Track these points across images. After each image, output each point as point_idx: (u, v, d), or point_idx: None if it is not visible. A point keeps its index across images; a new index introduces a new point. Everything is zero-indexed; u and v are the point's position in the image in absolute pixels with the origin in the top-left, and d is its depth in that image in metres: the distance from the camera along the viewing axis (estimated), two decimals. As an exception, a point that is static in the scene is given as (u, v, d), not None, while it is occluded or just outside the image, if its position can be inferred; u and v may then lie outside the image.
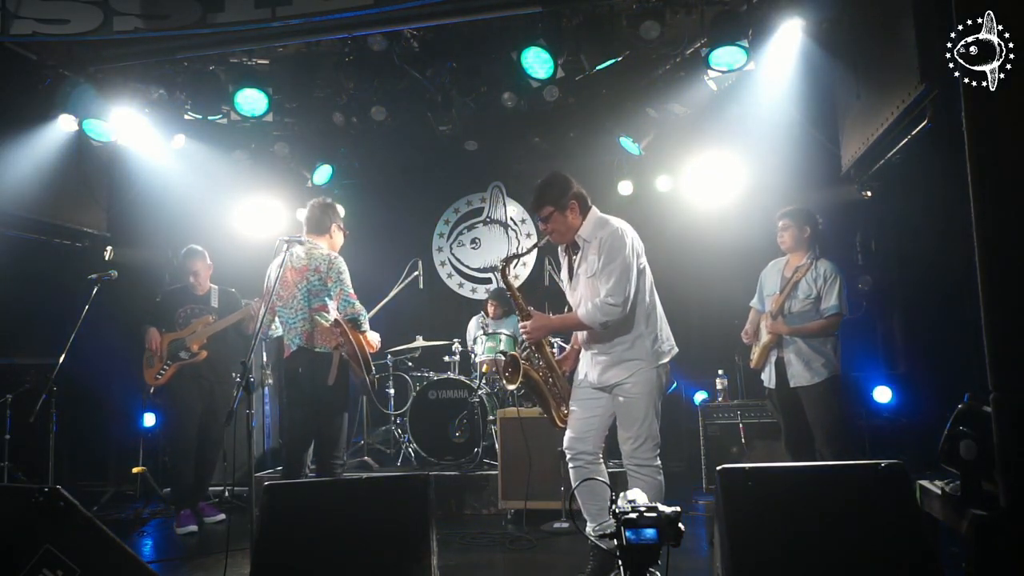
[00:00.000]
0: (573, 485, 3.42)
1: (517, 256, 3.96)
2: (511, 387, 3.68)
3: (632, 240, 3.36)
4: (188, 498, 4.95)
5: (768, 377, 4.26)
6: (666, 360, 3.40)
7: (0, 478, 5.18)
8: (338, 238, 4.20)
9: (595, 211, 3.46)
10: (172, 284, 5.41)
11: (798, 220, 4.23)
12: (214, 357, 4.99)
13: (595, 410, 3.42)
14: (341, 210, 4.27)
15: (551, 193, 3.38)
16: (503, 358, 5.62)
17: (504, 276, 3.66)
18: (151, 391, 5.57)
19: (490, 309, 6.56)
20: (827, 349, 4.06)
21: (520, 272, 7.48)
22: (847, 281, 4.19)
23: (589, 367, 3.46)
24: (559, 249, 3.64)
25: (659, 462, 3.34)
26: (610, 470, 3.88)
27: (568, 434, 3.47)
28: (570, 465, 3.45)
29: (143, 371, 5.00)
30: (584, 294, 3.40)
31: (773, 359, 4.20)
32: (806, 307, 4.10)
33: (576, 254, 3.46)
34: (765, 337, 4.19)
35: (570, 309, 3.54)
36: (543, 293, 6.20)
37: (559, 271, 3.80)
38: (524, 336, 3.46)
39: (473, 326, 6.60)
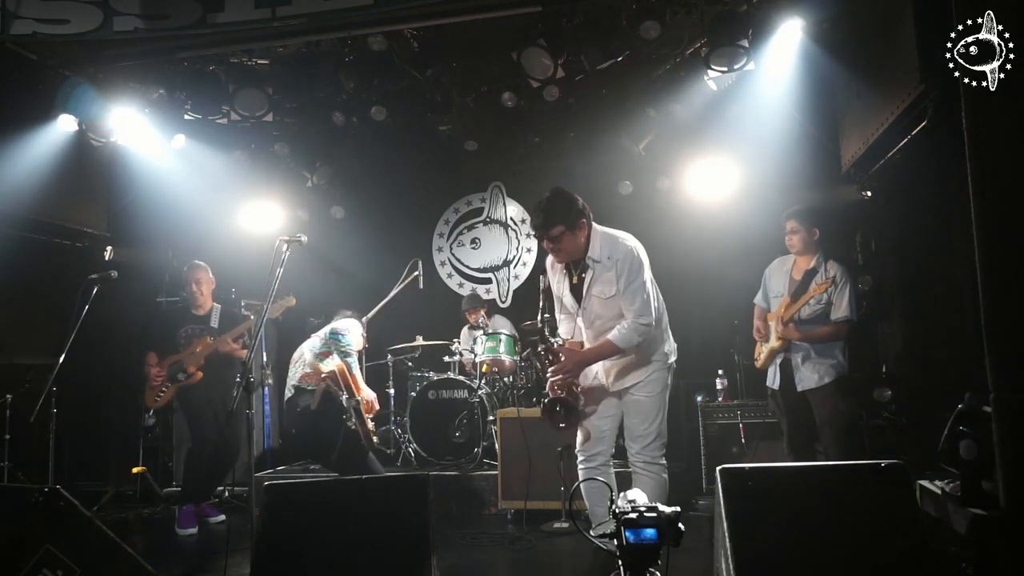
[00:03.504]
0: (583, 488, 3.43)
1: (543, 321, 3.55)
2: (570, 429, 3.49)
3: (645, 256, 3.36)
4: (194, 496, 4.96)
5: (772, 378, 4.25)
6: (673, 360, 3.44)
7: (0, 478, 5.18)
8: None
9: (596, 227, 3.38)
10: (172, 296, 5.40)
11: (807, 223, 4.17)
12: (217, 376, 4.97)
13: (608, 411, 3.44)
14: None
15: (560, 211, 3.26)
16: (503, 359, 5.68)
17: (539, 349, 3.64)
18: (151, 412, 5.62)
19: (470, 319, 6.44)
20: (835, 351, 4.05)
21: (520, 272, 7.48)
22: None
23: (601, 371, 3.46)
24: (553, 268, 3.54)
25: (665, 460, 3.36)
26: (616, 470, 3.87)
27: (582, 437, 3.48)
28: (582, 466, 3.46)
29: (145, 393, 5.05)
30: (601, 315, 3.36)
31: (778, 360, 4.19)
32: (816, 311, 4.07)
33: (583, 272, 3.38)
34: (774, 342, 4.16)
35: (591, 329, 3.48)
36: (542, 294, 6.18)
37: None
38: (559, 379, 3.31)
39: (465, 335, 6.54)
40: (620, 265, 3.25)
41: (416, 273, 6.02)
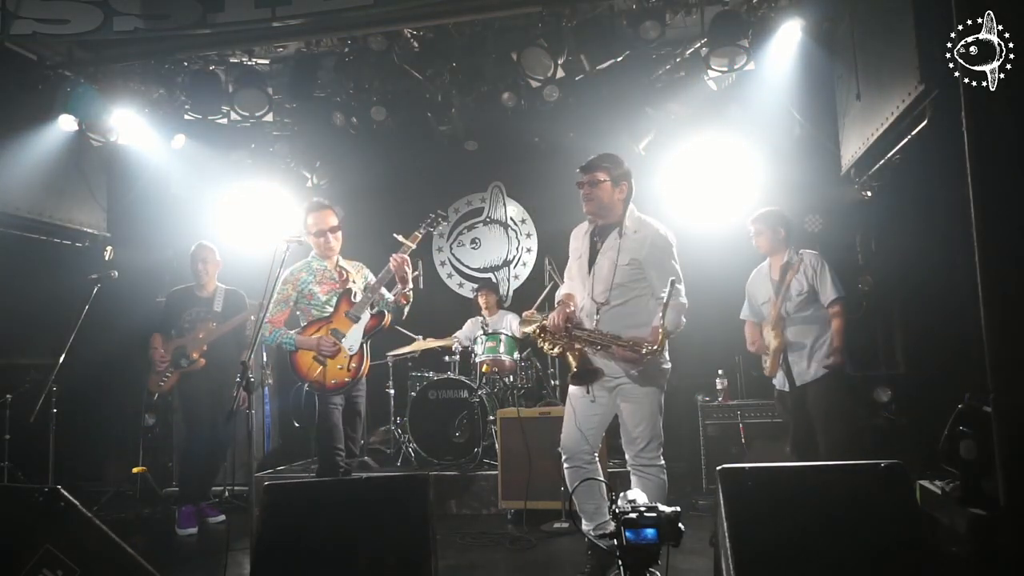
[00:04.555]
0: (570, 486, 3.40)
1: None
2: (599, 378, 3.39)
3: (675, 243, 3.43)
4: (192, 497, 4.97)
5: (782, 379, 4.24)
6: (667, 366, 3.41)
7: (0, 478, 5.18)
8: (314, 243, 4.06)
9: (634, 207, 3.48)
10: (176, 285, 5.41)
11: (771, 222, 4.27)
12: (216, 362, 4.96)
13: (596, 409, 3.41)
14: (312, 216, 4.06)
15: (610, 163, 3.41)
16: (503, 359, 5.68)
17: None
18: (155, 396, 5.62)
19: (482, 301, 6.53)
20: (826, 340, 4.06)
21: (520, 272, 7.48)
22: (846, 275, 4.21)
23: (595, 358, 3.43)
24: (577, 235, 3.58)
25: (663, 461, 3.35)
26: (611, 470, 3.86)
27: (566, 434, 3.44)
28: (567, 466, 3.43)
29: (149, 377, 5.05)
30: (606, 279, 3.33)
31: (781, 360, 4.18)
32: (800, 303, 4.11)
33: (602, 238, 3.42)
34: (774, 343, 4.17)
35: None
36: (544, 293, 6.19)
37: (559, 271, 3.74)
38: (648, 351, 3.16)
39: (469, 328, 6.57)
40: (655, 240, 3.33)
41: (416, 273, 6.00)
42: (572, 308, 3.39)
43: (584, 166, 3.43)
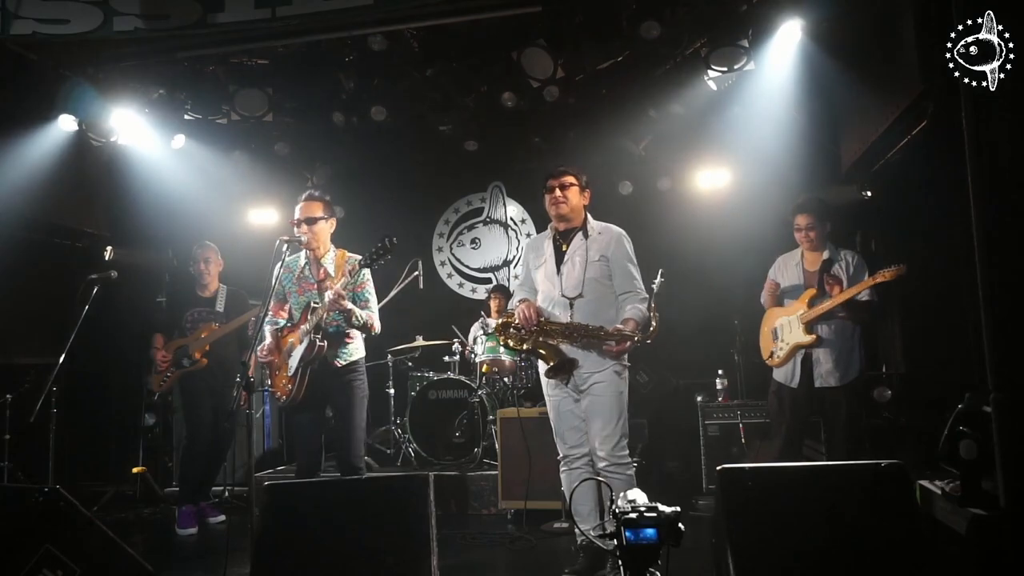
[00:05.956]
0: (566, 488, 3.45)
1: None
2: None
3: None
4: (192, 497, 4.97)
5: (791, 375, 4.14)
6: (627, 363, 3.49)
7: (0, 478, 5.18)
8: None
9: (590, 215, 3.65)
10: (176, 286, 5.40)
11: (820, 216, 4.19)
12: (219, 361, 4.97)
13: (579, 413, 3.48)
14: (298, 206, 3.88)
15: (577, 170, 3.61)
16: (503, 359, 5.67)
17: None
18: (155, 396, 5.61)
19: (493, 305, 6.52)
20: (855, 345, 4.03)
21: (520, 272, 7.46)
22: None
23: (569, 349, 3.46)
24: (536, 244, 3.72)
25: (630, 458, 3.41)
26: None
27: (563, 441, 3.52)
28: (569, 467, 3.49)
29: (150, 376, 5.06)
30: (578, 275, 3.45)
31: (799, 357, 4.10)
32: (839, 304, 4.01)
33: (567, 242, 3.55)
34: (803, 337, 4.08)
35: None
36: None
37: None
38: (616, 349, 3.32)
39: (473, 330, 6.57)
40: (619, 240, 3.51)
41: (416, 273, 6.01)
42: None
43: (553, 172, 3.62)
